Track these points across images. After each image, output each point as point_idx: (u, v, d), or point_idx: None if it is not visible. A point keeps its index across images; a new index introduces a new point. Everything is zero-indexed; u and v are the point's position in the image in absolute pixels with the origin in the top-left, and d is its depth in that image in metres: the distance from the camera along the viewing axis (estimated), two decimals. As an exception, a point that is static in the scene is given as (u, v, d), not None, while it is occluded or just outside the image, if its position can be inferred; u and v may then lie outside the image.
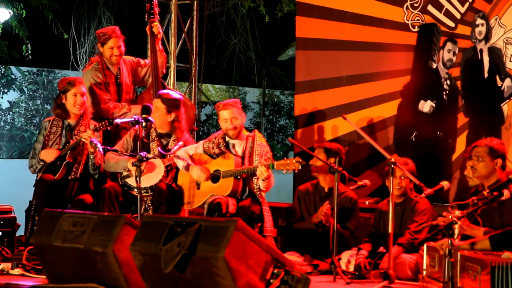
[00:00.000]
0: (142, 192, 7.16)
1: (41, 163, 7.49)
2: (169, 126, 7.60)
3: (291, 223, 7.54)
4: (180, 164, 7.35)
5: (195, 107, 9.16)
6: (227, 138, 7.38)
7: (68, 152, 7.49)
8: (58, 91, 7.77)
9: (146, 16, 8.40)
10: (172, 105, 7.56)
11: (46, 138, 7.63)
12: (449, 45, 8.39)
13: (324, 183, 7.49)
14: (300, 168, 6.77)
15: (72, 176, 7.52)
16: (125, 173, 7.44)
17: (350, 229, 7.29)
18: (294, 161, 6.77)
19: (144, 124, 6.99)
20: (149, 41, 8.54)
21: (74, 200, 7.41)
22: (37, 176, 7.52)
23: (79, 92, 7.63)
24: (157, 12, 8.43)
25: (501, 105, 7.98)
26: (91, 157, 7.48)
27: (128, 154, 7.29)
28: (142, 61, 8.46)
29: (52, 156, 7.46)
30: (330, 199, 7.18)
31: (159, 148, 7.41)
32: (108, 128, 7.63)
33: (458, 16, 8.31)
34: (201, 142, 7.51)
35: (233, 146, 7.34)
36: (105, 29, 8.43)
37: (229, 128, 7.31)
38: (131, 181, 7.37)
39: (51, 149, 7.53)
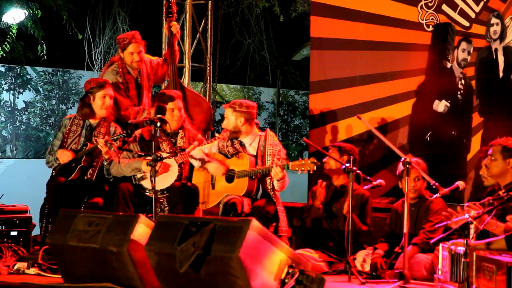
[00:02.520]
0: (158, 194, 7.18)
1: (57, 161, 7.52)
2: (180, 124, 7.63)
3: (303, 219, 7.54)
4: (196, 163, 7.36)
5: (211, 108, 9.16)
6: (239, 137, 7.36)
7: (84, 156, 7.51)
8: (85, 91, 7.75)
9: (164, 15, 8.40)
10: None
11: (66, 136, 7.65)
12: (463, 45, 8.37)
13: (337, 182, 7.49)
14: (315, 169, 6.77)
15: (88, 177, 7.54)
16: (139, 175, 7.45)
17: (367, 224, 7.29)
18: (309, 161, 6.77)
19: (158, 124, 7.00)
20: (167, 40, 8.53)
21: (88, 203, 7.42)
22: (51, 175, 7.56)
23: (108, 95, 7.65)
24: (175, 11, 8.44)
25: (516, 104, 7.97)
26: (105, 164, 7.50)
27: (143, 154, 7.30)
28: (160, 60, 8.48)
29: (67, 158, 7.47)
30: (341, 196, 7.21)
31: (171, 147, 7.43)
32: (126, 139, 7.65)
33: (473, 15, 8.29)
34: (215, 141, 7.51)
35: (244, 145, 7.33)
36: (125, 34, 8.41)
37: (223, 126, 7.39)
38: (146, 184, 7.37)
39: (67, 150, 7.53)
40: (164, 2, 8.41)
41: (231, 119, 7.28)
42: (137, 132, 7.62)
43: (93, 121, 7.70)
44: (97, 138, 7.55)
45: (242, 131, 7.29)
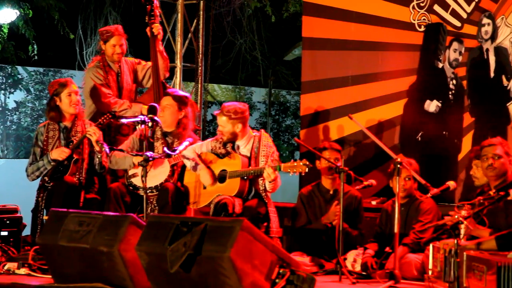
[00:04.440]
0: (148, 191, 7.17)
1: (52, 163, 7.49)
2: (176, 124, 7.61)
3: (298, 228, 7.53)
4: (188, 164, 7.36)
5: (197, 107, 9.14)
6: (236, 141, 7.35)
7: (74, 150, 7.52)
8: (50, 95, 7.77)
9: (146, 18, 8.42)
10: (182, 101, 7.62)
11: (44, 143, 7.62)
12: (455, 45, 8.38)
13: (328, 184, 7.47)
14: (307, 170, 6.75)
15: (77, 176, 7.53)
16: (130, 173, 7.45)
17: (358, 228, 7.31)
18: (301, 163, 6.73)
19: (150, 124, 7.00)
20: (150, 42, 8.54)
21: (85, 199, 7.43)
22: (48, 179, 7.51)
23: (73, 91, 7.66)
24: (158, 14, 8.45)
25: (507, 104, 7.98)
26: (99, 156, 7.51)
27: (134, 154, 7.31)
28: (143, 62, 8.49)
29: (65, 154, 7.46)
30: (336, 200, 7.20)
31: (165, 148, 7.41)
32: (111, 120, 7.66)
33: (464, 15, 8.30)
34: (208, 140, 7.49)
35: (238, 147, 7.32)
36: (108, 27, 8.55)
37: (218, 133, 7.37)
38: (136, 181, 7.38)
39: (60, 147, 7.55)
40: (147, 5, 8.40)
41: (228, 127, 7.24)
42: (140, 129, 7.62)
43: (67, 123, 7.70)
44: (75, 138, 7.57)
45: (240, 135, 7.29)
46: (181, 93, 7.80)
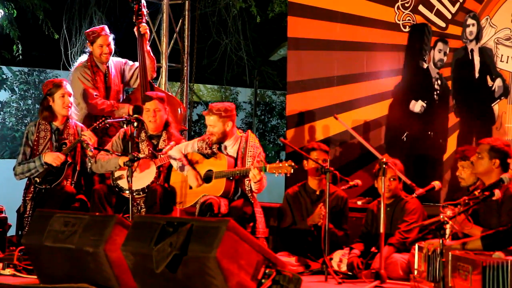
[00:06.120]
0: (135, 194, 7.15)
1: (44, 166, 7.45)
2: (163, 126, 7.60)
3: (284, 229, 7.52)
4: (175, 164, 7.34)
5: (184, 106, 9.12)
6: (225, 141, 7.33)
7: (68, 153, 7.50)
8: (43, 95, 7.75)
9: (134, 17, 8.41)
10: (164, 101, 7.63)
11: (35, 143, 7.59)
12: (440, 45, 8.41)
13: (314, 184, 7.47)
14: (292, 171, 6.74)
15: (69, 180, 7.52)
16: (116, 175, 7.43)
17: (344, 228, 7.31)
18: (286, 164, 6.73)
19: (135, 124, 6.99)
20: (137, 42, 8.53)
21: (72, 207, 7.40)
22: (40, 181, 7.48)
23: (66, 93, 7.65)
24: (145, 13, 8.45)
25: (492, 105, 8.00)
26: (91, 161, 7.49)
27: (119, 154, 7.29)
28: (130, 62, 8.47)
29: (59, 160, 7.43)
30: (322, 201, 7.19)
31: (150, 149, 7.42)
32: (107, 125, 7.65)
33: (449, 16, 8.33)
34: (195, 140, 7.48)
35: (225, 147, 7.31)
36: (93, 28, 8.56)
37: (208, 133, 7.32)
38: (123, 183, 7.35)
39: (54, 152, 7.51)
40: (135, 5, 8.39)
41: (219, 125, 7.20)
42: (122, 131, 7.61)
43: (59, 124, 7.68)
44: (67, 140, 7.55)
45: (229, 134, 7.27)
46: (161, 94, 7.79)
